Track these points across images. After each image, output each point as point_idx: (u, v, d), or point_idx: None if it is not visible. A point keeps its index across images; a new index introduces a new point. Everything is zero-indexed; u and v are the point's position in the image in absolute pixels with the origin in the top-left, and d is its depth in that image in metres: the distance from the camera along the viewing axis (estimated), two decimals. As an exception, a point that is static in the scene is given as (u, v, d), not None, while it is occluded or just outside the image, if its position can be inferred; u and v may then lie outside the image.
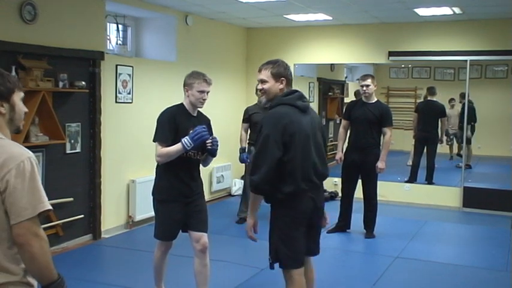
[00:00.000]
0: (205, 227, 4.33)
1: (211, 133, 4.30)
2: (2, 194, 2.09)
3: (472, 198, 8.55)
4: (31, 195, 2.09)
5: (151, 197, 4.32)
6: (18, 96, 2.28)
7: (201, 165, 4.38)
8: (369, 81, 6.60)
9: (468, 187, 8.66)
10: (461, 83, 9.04)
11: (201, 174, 4.37)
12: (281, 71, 3.58)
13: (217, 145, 4.20)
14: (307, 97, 10.54)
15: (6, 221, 2.09)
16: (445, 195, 8.75)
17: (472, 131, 10.60)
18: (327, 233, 6.85)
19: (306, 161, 3.50)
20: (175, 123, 4.10)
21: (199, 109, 4.29)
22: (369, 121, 6.59)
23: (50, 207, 2.15)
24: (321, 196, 3.74)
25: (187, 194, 4.21)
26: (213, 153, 4.24)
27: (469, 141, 10.64)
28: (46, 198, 2.14)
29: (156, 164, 4.23)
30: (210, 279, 4.36)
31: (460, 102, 10.41)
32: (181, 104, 4.24)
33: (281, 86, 3.57)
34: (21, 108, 2.29)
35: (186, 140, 3.96)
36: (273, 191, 3.47)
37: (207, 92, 4.17)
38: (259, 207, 3.62)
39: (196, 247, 4.27)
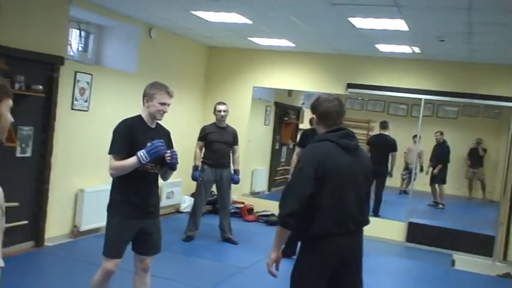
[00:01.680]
0: (156, 250, 4.20)
1: (171, 146, 4.17)
2: None
3: (416, 233, 8.71)
4: None
5: (106, 213, 4.10)
6: (5, 106, 1.94)
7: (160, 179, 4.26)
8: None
9: (413, 222, 8.82)
10: (413, 120, 9.29)
11: (159, 190, 4.26)
12: (311, 108, 3.49)
13: (177, 159, 4.07)
14: (266, 120, 10.88)
15: None
16: (390, 229, 8.87)
17: (445, 170, 10.83)
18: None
19: (341, 203, 3.25)
20: (131, 135, 3.95)
21: (158, 121, 4.16)
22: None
23: (1, 265, 1.82)
24: (356, 245, 3.42)
25: (144, 210, 4.04)
26: (172, 166, 4.10)
27: (443, 181, 10.90)
28: None
29: (112, 178, 4.07)
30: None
31: (436, 139, 10.68)
32: (139, 115, 4.09)
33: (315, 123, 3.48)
34: (7, 118, 1.95)
35: (142, 153, 3.81)
36: (301, 229, 3.27)
37: (168, 105, 4.06)
38: (284, 241, 3.36)
39: (139, 266, 4.17)
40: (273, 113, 11.36)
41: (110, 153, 3.97)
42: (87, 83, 6.93)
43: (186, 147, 8.45)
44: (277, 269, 3.41)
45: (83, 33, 7.55)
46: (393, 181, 11.16)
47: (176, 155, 4.06)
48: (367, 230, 8.97)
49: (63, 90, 6.49)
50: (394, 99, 11.37)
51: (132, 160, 3.84)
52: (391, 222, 9.03)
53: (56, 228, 6.71)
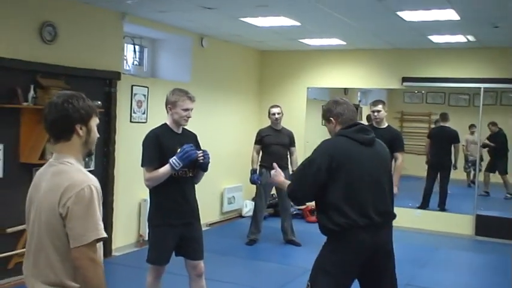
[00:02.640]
0: (201, 255, 4.25)
1: (199, 148, 4.18)
2: (64, 219, 2.26)
3: (485, 226, 8.48)
4: (87, 222, 2.24)
5: (147, 223, 4.25)
6: (94, 122, 2.45)
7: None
8: (380, 107, 6.63)
9: (481, 215, 8.60)
10: (476, 109, 9.05)
11: (196, 195, 4.27)
12: (326, 111, 3.60)
13: (209, 158, 4.11)
14: (323, 120, 10.84)
15: (69, 243, 2.26)
16: (457, 223, 8.69)
17: (505, 161, 10.48)
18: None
19: (360, 194, 3.35)
20: (159, 144, 4.01)
21: (183, 126, 4.20)
22: (380, 146, 6.59)
23: (104, 235, 2.29)
24: (384, 237, 3.47)
25: (181, 216, 4.10)
26: (204, 167, 4.14)
27: (504, 171, 10.56)
28: (102, 226, 2.29)
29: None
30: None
31: (490, 129, 10.32)
32: (165, 123, 4.15)
33: (332, 125, 3.57)
34: (95, 133, 2.46)
35: (174, 160, 3.88)
36: (325, 223, 3.40)
37: (191, 110, 4.10)
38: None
39: (192, 273, 4.25)
40: (330, 113, 11.27)
41: (142, 165, 4.06)
42: (144, 95, 7.13)
43: (244, 152, 8.56)
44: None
45: (137, 47, 7.76)
46: (461, 174, 10.91)
47: (208, 154, 4.11)
48: (434, 225, 8.85)
49: (121, 104, 6.71)
50: (455, 90, 11.09)
51: (166, 168, 3.92)
52: (458, 215, 8.84)
53: (122, 238, 6.92)
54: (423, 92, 11.74)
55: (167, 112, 4.14)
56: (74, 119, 2.36)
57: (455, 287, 6.14)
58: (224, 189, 8.90)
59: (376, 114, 6.64)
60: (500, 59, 8.43)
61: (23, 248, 5.50)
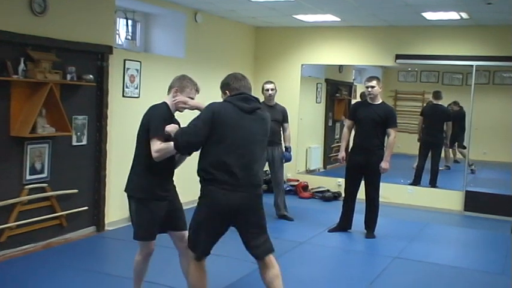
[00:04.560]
0: (186, 224, 4.20)
1: None
2: None
3: (474, 202, 8.58)
4: None
5: (132, 197, 4.09)
6: None
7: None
8: (374, 83, 6.65)
9: (470, 191, 8.69)
10: (469, 88, 9.05)
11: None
12: (224, 84, 3.94)
13: None
14: (318, 98, 10.84)
15: None
16: (447, 199, 8.78)
17: (462, 137, 10.48)
18: (328, 231, 6.94)
19: (231, 154, 3.66)
20: (165, 120, 3.93)
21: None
22: (373, 122, 6.63)
23: None
24: (248, 195, 3.75)
25: (168, 192, 4.09)
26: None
27: (461, 146, 10.63)
28: None
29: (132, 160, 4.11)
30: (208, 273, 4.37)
31: (452, 109, 10.37)
32: (165, 103, 4.06)
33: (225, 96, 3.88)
34: None
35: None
36: (202, 177, 3.74)
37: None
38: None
39: (181, 246, 4.20)
40: (325, 90, 11.29)
41: (154, 135, 3.88)
42: (137, 70, 7.10)
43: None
44: None
45: (129, 21, 7.71)
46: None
47: None
48: (425, 201, 8.93)
49: (113, 79, 6.67)
50: (448, 69, 11.11)
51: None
52: (448, 192, 8.93)
53: (115, 212, 6.93)
54: (417, 70, 11.74)
55: (171, 94, 4.07)
56: None
57: (444, 259, 6.19)
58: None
59: (370, 89, 6.67)
60: (493, 37, 8.43)
61: (14, 221, 5.56)
